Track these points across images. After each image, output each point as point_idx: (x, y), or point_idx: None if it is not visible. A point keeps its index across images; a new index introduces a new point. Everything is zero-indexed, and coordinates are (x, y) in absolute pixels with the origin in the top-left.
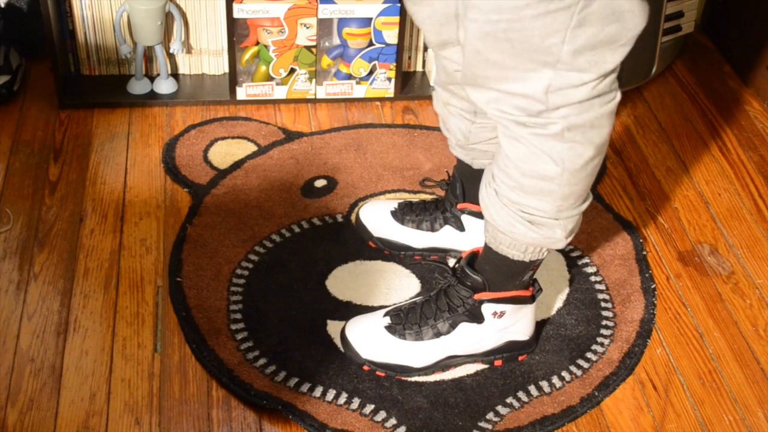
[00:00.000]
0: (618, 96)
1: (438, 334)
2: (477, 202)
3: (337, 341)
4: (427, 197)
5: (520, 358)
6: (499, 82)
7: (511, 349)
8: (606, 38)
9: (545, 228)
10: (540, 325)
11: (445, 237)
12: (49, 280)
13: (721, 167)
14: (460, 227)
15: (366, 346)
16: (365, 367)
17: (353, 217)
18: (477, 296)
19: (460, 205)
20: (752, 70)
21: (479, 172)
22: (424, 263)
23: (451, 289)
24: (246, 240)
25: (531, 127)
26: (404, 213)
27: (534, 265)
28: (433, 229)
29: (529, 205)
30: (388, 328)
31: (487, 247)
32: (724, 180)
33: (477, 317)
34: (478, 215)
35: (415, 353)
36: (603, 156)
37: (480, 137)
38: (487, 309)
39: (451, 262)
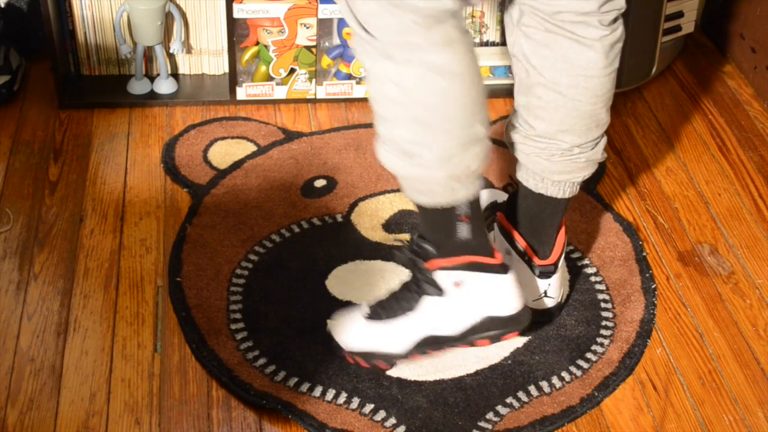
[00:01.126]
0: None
1: (406, 311)
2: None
3: None
4: None
5: (504, 338)
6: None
7: (490, 326)
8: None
9: (416, 157)
10: (540, 325)
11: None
12: (49, 280)
13: (721, 167)
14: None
15: (344, 334)
16: (348, 359)
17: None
18: (428, 264)
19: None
20: (752, 69)
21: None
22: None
23: (411, 263)
24: (246, 240)
25: (365, 49)
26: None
27: (459, 215)
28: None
29: (394, 134)
30: (367, 315)
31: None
32: (724, 180)
33: (437, 289)
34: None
35: (391, 337)
36: (454, 80)
37: None
38: (443, 278)
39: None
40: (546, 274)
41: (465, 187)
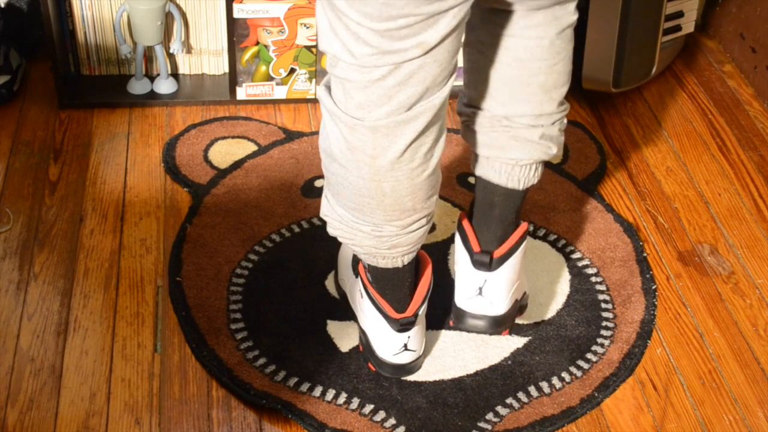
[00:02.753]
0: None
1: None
2: None
3: (337, 341)
4: None
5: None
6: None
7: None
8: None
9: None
10: (540, 326)
11: None
12: (49, 280)
13: (721, 167)
14: None
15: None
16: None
17: None
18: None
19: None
20: (752, 69)
21: None
22: None
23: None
24: (246, 240)
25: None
26: None
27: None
28: None
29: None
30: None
31: None
32: (724, 180)
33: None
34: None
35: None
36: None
37: None
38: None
39: None
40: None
41: None
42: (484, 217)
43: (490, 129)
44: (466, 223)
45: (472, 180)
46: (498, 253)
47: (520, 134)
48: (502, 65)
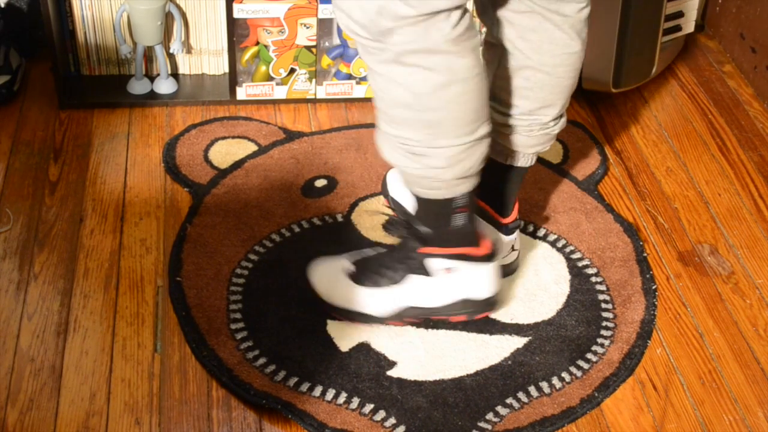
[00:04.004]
0: (461, 24)
1: (392, 283)
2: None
3: (337, 341)
4: None
5: (477, 317)
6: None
7: (467, 306)
8: None
9: (425, 158)
10: (540, 326)
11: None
12: (49, 280)
13: (721, 167)
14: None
15: (326, 288)
16: (331, 313)
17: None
18: (421, 250)
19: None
20: (752, 69)
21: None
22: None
23: (404, 241)
24: (246, 240)
25: (373, 53)
26: (362, 272)
27: (457, 206)
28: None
29: (403, 135)
30: (351, 274)
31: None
32: (724, 180)
33: (426, 271)
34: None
35: (372, 301)
36: (466, 84)
37: None
38: (434, 264)
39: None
40: (513, 229)
41: (467, 182)
42: (495, 192)
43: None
44: (483, 204)
45: None
46: (516, 213)
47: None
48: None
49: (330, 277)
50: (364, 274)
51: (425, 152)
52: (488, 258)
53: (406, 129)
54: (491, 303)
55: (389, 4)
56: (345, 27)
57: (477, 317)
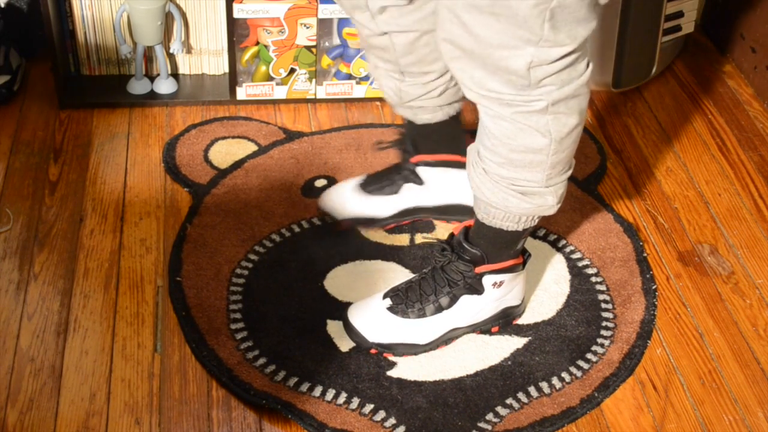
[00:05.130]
0: (590, 64)
1: (440, 309)
2: (429, 152)
3: (337, 341)
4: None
5: (513, 321)
6: (484, 59)
7: (506, 315)
8: (581, 15)
9: (537, 197)
10: (540, 326)
11: (408, 196)
12: (49, 280)
13: (721, 167)
14: (419, 181)
15: (372, 329)
16: (373, 351)
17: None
18: (478, 269)
19: (413, 159)
20: (752, 69)
21: (425, 127)
22: (421, 244)
23: (450, 265)
24: (246, 240)
25: (516, 105)
26: (367, 184)
27: (527, 232)
28: (395, 192)
29: (520, 177)
30: (390, 309)
31: (479, 223)
32: (724, 180)
33: (477, 289)
34: (433, 164)
35: (419, 330)
36: (584, 121)
37: (412, 95)
38: (487, 280)
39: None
40: None
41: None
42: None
43: None
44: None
45: None
46: None
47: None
48: None
49: (372, 317)
50: (406, 306)
51: (540, 192)
52: (523, 265)
53: (527, 172)
54: (523, 308)
55: (540, 53)
56: (480, 88)
57: (513, 323)
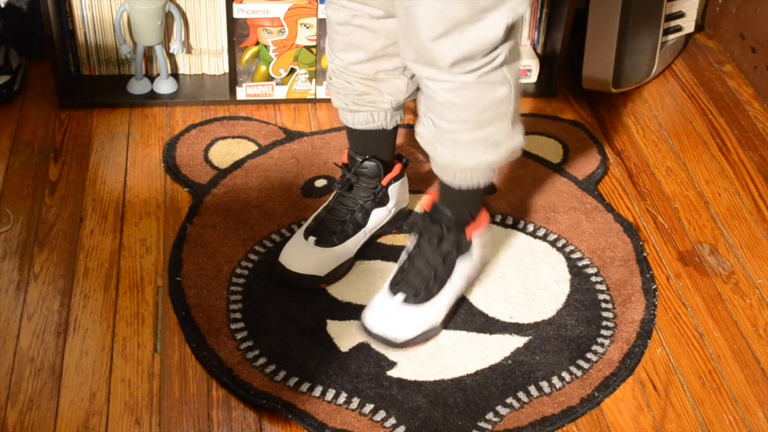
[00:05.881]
0: None
1: (443, 284)
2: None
3: (337, 341)
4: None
5: None
6: (468, 25)
7: (482, 269)
8: None
9: (508, 142)
10: (540, 326)
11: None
12: (49, 280)
13: (721, 167)
14: (385, 201)
15: (395, 330)
16: (411, 348)
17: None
18: (470, 229)
19: (385, 181)
20: (752, 69)
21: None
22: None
23: (444, 237)
24: (246, 240)
25: (478, 69)
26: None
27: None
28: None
29: (491, 131)
30: (405, 300)
31: (454, 191)
32: (724, 180)
33: (469, 252)
34: (397, 178)
35: (433, 312)
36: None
37: (411, 89)
38: (477, 241)
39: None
40: None
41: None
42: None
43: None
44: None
45: None
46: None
47: None
48: None
49: (390, 318)
50: (415, 295)
51: (509, 135)
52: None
53: (496, 124)
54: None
55: (513, 15)
56: (455, 57)
57: None
